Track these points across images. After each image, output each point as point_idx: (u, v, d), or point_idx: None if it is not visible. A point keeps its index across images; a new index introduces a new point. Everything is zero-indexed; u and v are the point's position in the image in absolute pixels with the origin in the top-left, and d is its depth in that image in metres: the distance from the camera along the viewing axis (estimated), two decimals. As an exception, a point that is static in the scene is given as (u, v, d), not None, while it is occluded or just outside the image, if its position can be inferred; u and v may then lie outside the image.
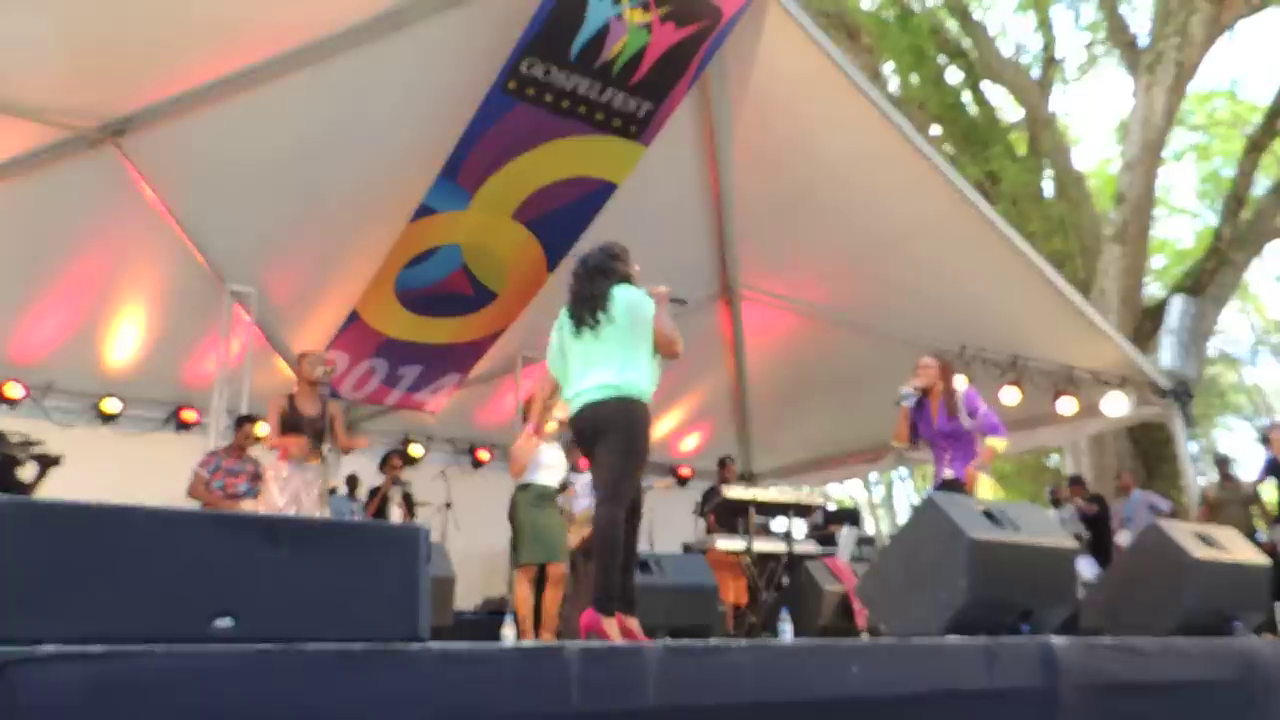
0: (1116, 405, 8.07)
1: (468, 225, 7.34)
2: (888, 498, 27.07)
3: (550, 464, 6.23)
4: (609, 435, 3.81)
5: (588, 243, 7.40)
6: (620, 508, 3.74)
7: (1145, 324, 13.09)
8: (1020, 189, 15.05)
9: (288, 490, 5.63)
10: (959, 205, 7.12)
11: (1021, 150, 16.52)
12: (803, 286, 8.70)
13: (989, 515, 3.93)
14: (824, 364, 9.06)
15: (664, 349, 3.91)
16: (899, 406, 5.32)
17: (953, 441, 5.24)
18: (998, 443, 5.08)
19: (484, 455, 10.21)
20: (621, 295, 3.99)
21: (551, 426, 6.27)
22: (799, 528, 7.32)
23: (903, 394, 5.35)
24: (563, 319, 4.14)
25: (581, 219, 7.53)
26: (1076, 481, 9.98)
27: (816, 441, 10.26)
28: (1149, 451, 13.31)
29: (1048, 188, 15.95)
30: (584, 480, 7.66)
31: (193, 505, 6.32)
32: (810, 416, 9.90)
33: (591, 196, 7.37)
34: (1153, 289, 19.94)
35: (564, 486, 6.26)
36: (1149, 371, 8.11)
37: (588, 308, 4.00)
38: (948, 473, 5.22)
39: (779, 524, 7.25)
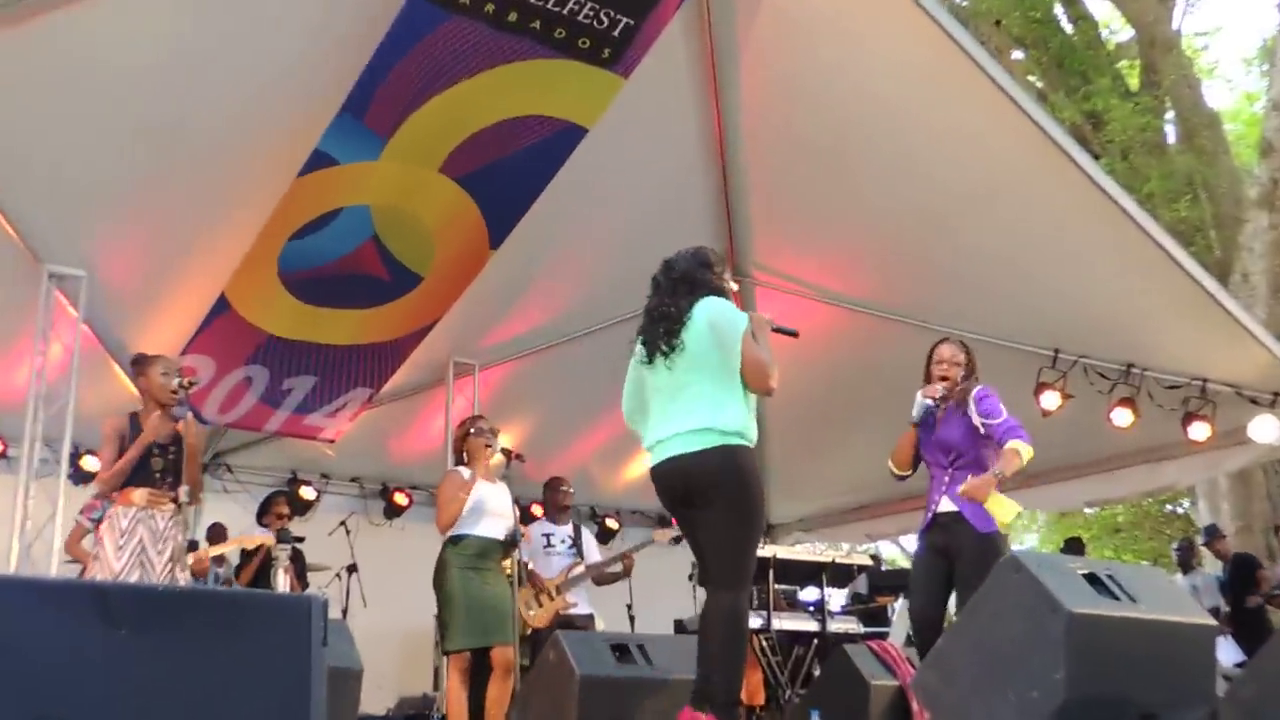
0: (1267, 430, 8.12)
1: (379, 182, 7.35)
2: None
3: (494, 510, 6.24)
4: (715, 499, 4.11)
5: (548, 207, 7.60)
6: (746, 593, 4.09)
7: (1305, 320, 13.31)
8: (1132, 136, 15.15)
9: (128, 547, 5.61)
10: (1049, 159, 7.15)
11: (1134, 84, 16.66)
12: (837, 270, 8.73)
13: (1095, 580, 3.95)
14: (867, 375, 9.11)
15: (752, 381, 4.19)
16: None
17: (958, 457, 5.29)
18: (1023, 448, 5.08)
19: (401, 499, 10.28)
20: (704, 311, 4.28)
21: (496, 460, 6.40)
22: (836, 598, 7.52)
23: (923, 406, 5.39)
24: (636, 347, 4.45)
25: (537, 176, 7.58)
26: (1213, 535, 10.03)
27: (859, 481, 10.26)
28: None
29: (1170, 135, 16.10)
30: (554, 532, 7.86)
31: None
32: (849, 447, 9.92)
33: (550, 144, 7.40)
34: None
35: (513, 542, 6.28)
36: (1313, 385, 8.24)
37: (663, 327, 4.31)
38: (945, 504, 5.23)
39: (808, 594, 7.31)
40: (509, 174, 7.51)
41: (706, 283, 4.40)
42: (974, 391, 5.32)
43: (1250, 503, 12.92)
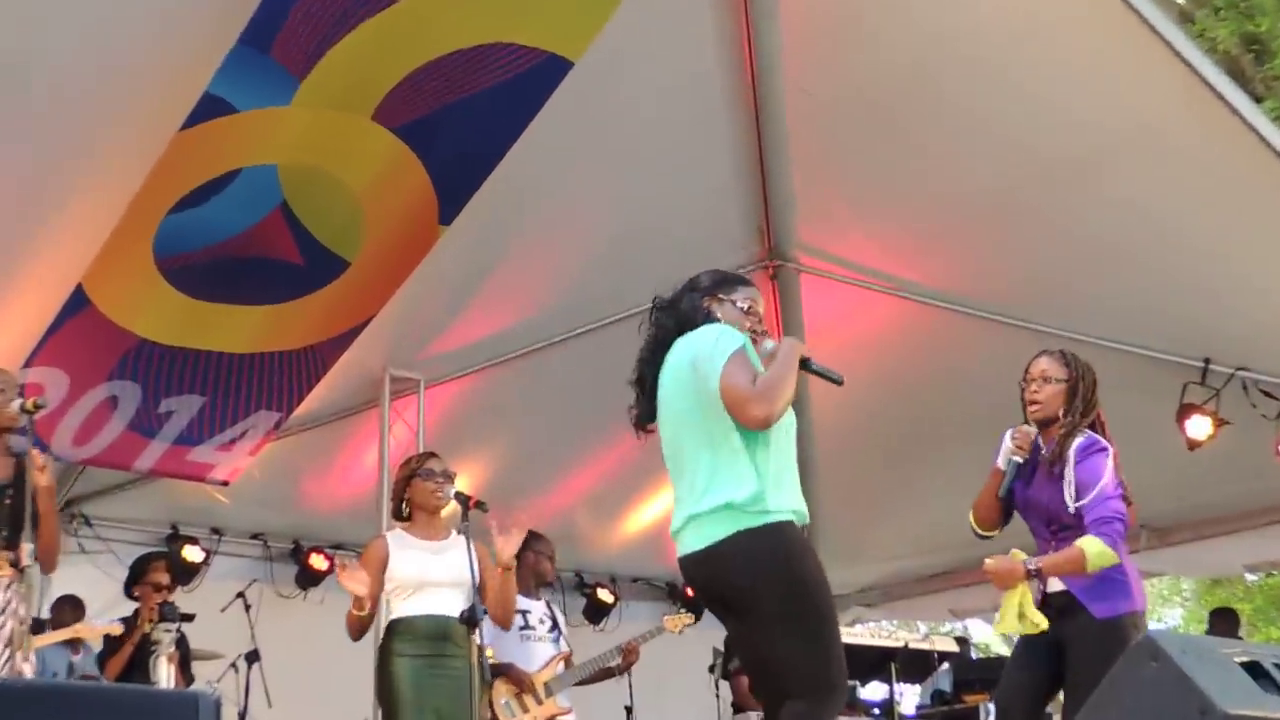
0: None
1: (290, 134, 7.35)
2: None
3: (445, 578, 6.27)
4: (753, 604, 4.28)
5: (518, 169, 7.63)
6: (829, 702, 4.25)
7: None
8: None
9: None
10: (1193, 103, 7.16)
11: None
12: (904, 252, 8.84)
13: (1258, 671, 3.91)
14: (947, 392, 9.25)
15: (735, 412, 4.31)
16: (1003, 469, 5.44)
17: (1061, 526, 5.33)
18: (1096, 550, 5.04)
19: (319, 562, 10.23)
20: (686, 349, 4.48)
21: (449, 509, 6.52)
22: (910, 697, 7.63)
23: (1009, 461, 5.44)
24: None
25: (503, 127, 7.59)
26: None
27: (939, 538, 10.28)
28: None
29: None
30: (530, 609, 7.92)
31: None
32: (924, 491, 9.97)
33: (522, 84, 7.38)
34: None
35: (472, 620, 6.09)
36: None
37: (636, 374, 4.66)
38: (1053, 582, 5.25)
39: (872, 690, 7.40)
40: (466, 124, 7.51)
41: (694, 308, 4.61)
42: (1075, 444, 5.30)
43: None
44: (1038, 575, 5.08)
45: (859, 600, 11.40)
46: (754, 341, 4.52)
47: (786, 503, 4.33)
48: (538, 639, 7.84)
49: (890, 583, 11.03)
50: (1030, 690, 5.25)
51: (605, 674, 8.10)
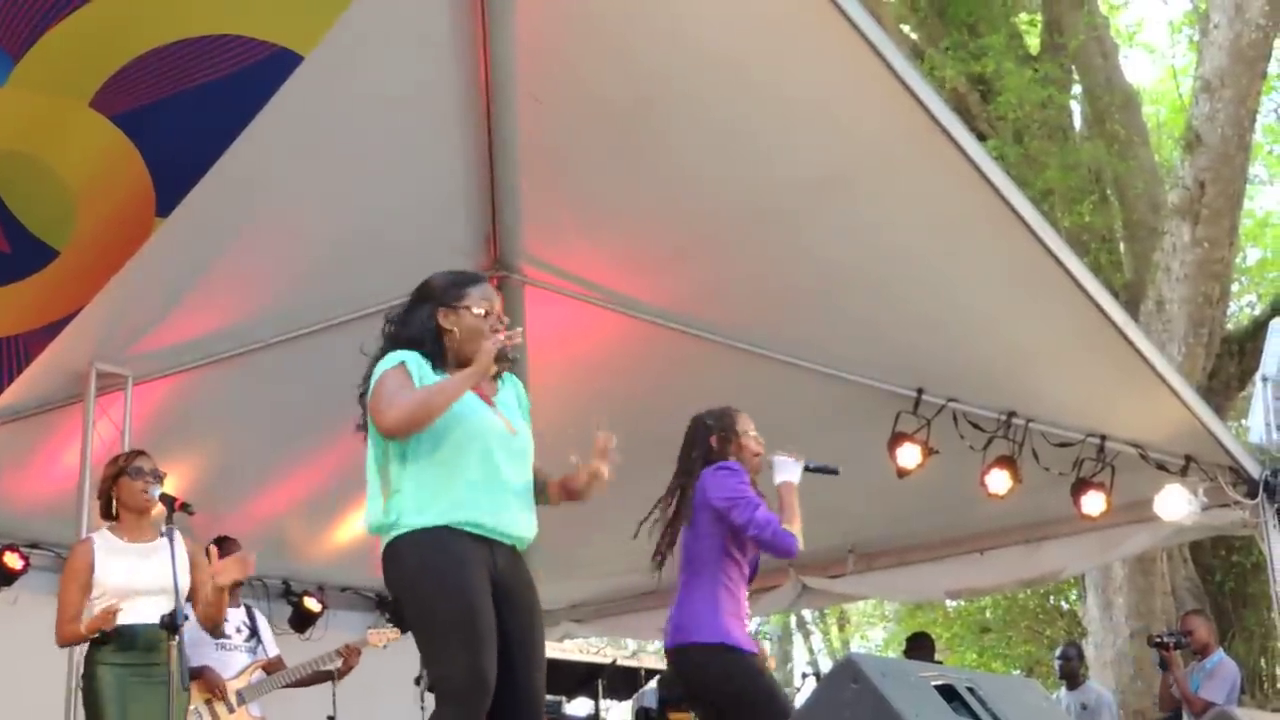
0: (1177, 505, 8.49)
1: (2, 116, 7.15)
2: (779, 662, 27.46)
3: (149, 585, 6.21)
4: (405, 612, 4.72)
5: (241, 163, 7.52)
6: (447, 706, 4.46)
7: (1226, 365, 13.99)
8: (1029, 113, 15.53)
9: None
10: (921, 139, 7.33)
11: (1034, 46, 17.29)
12: (635, 269, 8.86)
13: (951, 695, 4.08)
14: (669, 410, 8.58)
15: (375, 419, 4.64)
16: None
17: None
18: None
19: (14, 561, 9.94)
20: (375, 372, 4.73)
21: (156, 512, 6.45)
22: (617, 712, 7.41)
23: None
24: None
25: (227, 119, 7.46)
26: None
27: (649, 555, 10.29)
28: (1229, 586, 14.04)
29: (1076, 116, 16.62)
30: (227, 616, 7.52)
31: None
32: (641, 509, 9.52)
33: (249, 77, 7.26)
34: (1243, 303, 21.17)
35: (172, 625, 5.96)
36: (1232, 450, 8.56)
37: (360, 390, 4.85)
38: None
39: (578, 706, 7.23)
40: (189, 115, 7.38)
41: (421, 335, 4.83)
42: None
43: (1151, 599, 13.33)
44: None
45: (569, 616, 11.42)
46: (505, 348, 4.73)
47: (425, 513, 4.55)
48: (232, 647, 7.88)
49: (602, 599, 11.08)
50: None
51: (322, 677, 8.12)
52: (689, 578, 6.23)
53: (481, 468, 4.68)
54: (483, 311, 4.83)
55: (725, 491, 6.10)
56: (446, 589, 4.45)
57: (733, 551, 6.14)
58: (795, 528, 5.98)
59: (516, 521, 4.80)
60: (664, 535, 6.50)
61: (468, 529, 4.56)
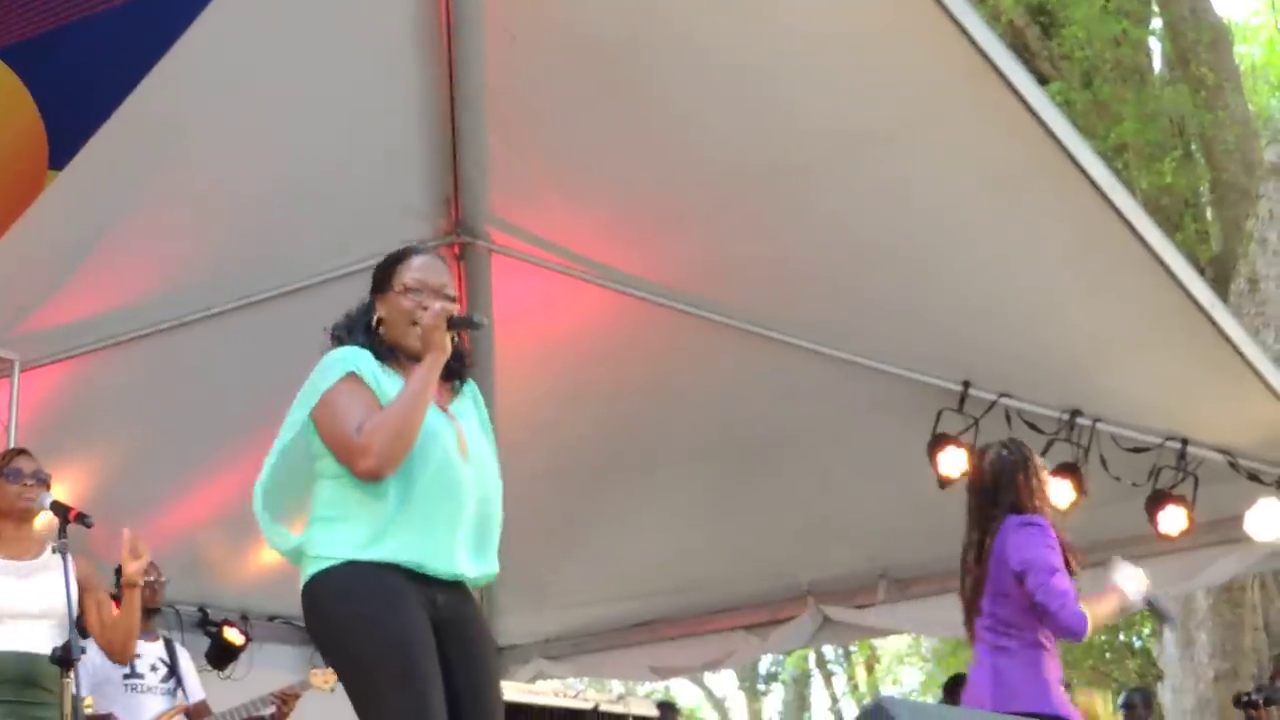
0: (1272, 523, 8.31)
1: None
2: (795, 708, 27.67)
3: (29, 608, 5.99)
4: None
5: (151, 109, 7.32)
6: None
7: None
8: (1100, 51, 15.65)
9: None
10: (968, 74, 7.02)
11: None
12: (622, 235, 8.79)
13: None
14: (668, 409, 9.33)
15: (345, 460, 4.29)
16: None
17: None
18: None
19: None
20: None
21: (43, 522, 6.30)
22: None
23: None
24: None
25: (135, 54, 7.18)
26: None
27: (642, 584, 10.57)
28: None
29: (1156, 54, 16.52)
30: (140, 652, 7.50)
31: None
32: (627, 525, 10.12)
33: (159, 2, 7.09)
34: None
35: (67, 659, 5.71)
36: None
37: None
38: None
39: None
40: (88, 48, 7.16)
41: (342, 332, 4.58)
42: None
43: (1239, 635, 13.19)
44: None
45: (543, 653, 11.24)
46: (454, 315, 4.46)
47: (348, 545, 4.27)
48: (146, 689, 7.70)
49: (581, 633, 11.07)
50: None
51: None
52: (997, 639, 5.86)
53: (428, 492, 4.37)
54: (405, 285, 4.52)
55: (1027, 552, 5.74)
56: (378, 638, 4.20)
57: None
58: (1090, 613, 5.71)
59: (464, 559, 4.46)
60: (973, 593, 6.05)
61: (403, 565, 4.27)
